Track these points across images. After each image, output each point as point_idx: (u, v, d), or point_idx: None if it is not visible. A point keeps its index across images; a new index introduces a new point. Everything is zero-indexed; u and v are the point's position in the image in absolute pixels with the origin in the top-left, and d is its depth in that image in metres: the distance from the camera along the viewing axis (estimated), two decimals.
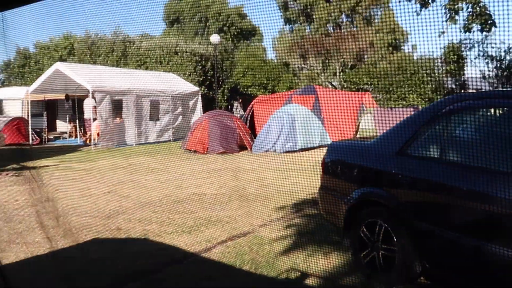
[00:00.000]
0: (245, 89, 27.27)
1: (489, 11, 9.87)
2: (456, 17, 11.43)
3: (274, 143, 13.50)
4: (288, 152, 12.88)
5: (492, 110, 3.88)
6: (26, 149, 15.59)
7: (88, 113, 16.65)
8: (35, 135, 17.15)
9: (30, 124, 16.90)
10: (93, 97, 15.59)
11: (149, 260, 4.63)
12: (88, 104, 16.64)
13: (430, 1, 9.67)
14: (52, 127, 19.54)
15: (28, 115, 17.20)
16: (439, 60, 20.15)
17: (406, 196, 3.86)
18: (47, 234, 5.49)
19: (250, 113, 15.90)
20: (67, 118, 19.37)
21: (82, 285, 4.01)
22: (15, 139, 16.01)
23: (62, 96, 18.16)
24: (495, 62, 17.88)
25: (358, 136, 12.91)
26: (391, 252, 3.80)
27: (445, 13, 10.67)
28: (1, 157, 11.63)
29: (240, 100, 21.56)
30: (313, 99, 15.36)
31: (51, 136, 18.69)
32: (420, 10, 9.51)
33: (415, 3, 9.55)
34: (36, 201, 7.40)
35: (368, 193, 4.17)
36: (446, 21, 11.40)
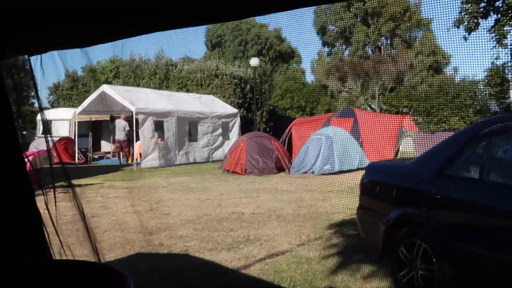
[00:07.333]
0: (284, 112, 27.45)
1: None
2: (504, 41, 11.35)
3: (312, 165, 13.53)
4: (326, 174, 12.87)
5: None
6: (72, 167, 16.19)
7: (119, 134, 16.98)
8: (81, 155, 17.81)
9: (76, 143, 17.62)
10: (129, 119, 16.06)
11: (190, 274, 4.77)
12: (119, 125, 17.07)
13: (476, 26, 9.73)
14: (97, 147, 20.23)
15: (75, 135, 17.98)
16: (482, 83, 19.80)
17: (445, 217, 3.87)
18: (94, 248, 5.72)
19: (288, 135, 15.99)
20: (111, 139, 20.01)
21: None
22: (62, 158, 16.63)
23: (107, 117, 18.83)
24: None
25: (397, 158, 12.78)
26: (430, 272, 3.80)
27: (492, 37, 10.66)
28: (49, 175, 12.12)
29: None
30: (351, 122, 15.34)
31: (96, 156, 19.33)
32: (468, 35, 9.57)
33: (465, 30, 9.62)
34: (83, 217, 7.70)
35: (407, 213, 4.19)
36: (495, 46, 11.32)
